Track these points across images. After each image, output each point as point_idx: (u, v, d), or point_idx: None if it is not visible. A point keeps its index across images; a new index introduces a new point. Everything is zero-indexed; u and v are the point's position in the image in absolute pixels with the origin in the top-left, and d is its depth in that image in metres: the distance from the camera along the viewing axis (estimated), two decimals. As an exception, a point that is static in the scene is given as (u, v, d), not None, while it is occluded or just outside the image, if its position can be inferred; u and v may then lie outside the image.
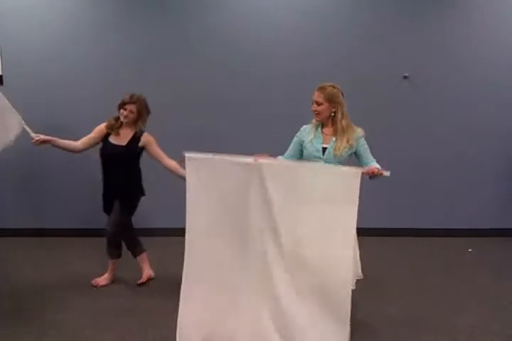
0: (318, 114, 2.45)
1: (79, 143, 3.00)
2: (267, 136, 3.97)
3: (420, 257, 3.88)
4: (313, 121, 2.54)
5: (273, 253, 2.20)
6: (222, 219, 2.27)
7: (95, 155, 3.04)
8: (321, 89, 2.42)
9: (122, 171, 3.04)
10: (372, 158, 2.48)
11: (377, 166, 2.35)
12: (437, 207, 4.42)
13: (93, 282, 3.18)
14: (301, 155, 2.56)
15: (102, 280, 3.20)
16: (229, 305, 2.25)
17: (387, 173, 2.26)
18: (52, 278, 3.29)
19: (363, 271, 2.47)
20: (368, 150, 2.50)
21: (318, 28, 4.13)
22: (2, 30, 3.97)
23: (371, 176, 2.26)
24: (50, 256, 3.75)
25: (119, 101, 2.98)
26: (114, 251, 3.17)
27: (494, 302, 2.94)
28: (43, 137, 2.80)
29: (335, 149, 2.40)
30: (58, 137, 2.91)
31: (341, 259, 2.13)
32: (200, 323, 2.27)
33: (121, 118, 2.97)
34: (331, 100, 2.40)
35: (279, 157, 2.57)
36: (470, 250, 4.05)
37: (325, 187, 2.17)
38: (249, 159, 2.23)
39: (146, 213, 3.51)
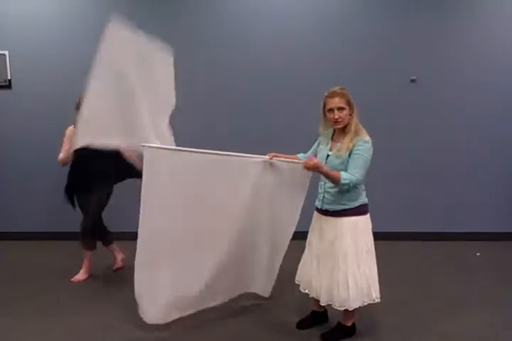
0: (341, 121, 2.22)
1: None
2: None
3: (429, 261, 3.74)
4: (321, 128, 2.40)
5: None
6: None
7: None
8: (339, 94, 2.21)
9: None
10: (353, 168, 2.17)
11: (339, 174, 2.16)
12: (442, 210, 4.28)
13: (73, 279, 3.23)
14: None
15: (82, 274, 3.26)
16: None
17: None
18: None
19: None
20: (357, 160, 2.17)
21: (325, 32, 4.08)
22: (10, 35, 4.03)
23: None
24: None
25: None
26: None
27: (499, 307, 2.81)
28: None
29: (338, 150, 2.22)
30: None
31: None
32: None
33: None
34: (350, 103, 2.23)
35: (299, 155, 2.52)
36: (478, 254, 3.97)
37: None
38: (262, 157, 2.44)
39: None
